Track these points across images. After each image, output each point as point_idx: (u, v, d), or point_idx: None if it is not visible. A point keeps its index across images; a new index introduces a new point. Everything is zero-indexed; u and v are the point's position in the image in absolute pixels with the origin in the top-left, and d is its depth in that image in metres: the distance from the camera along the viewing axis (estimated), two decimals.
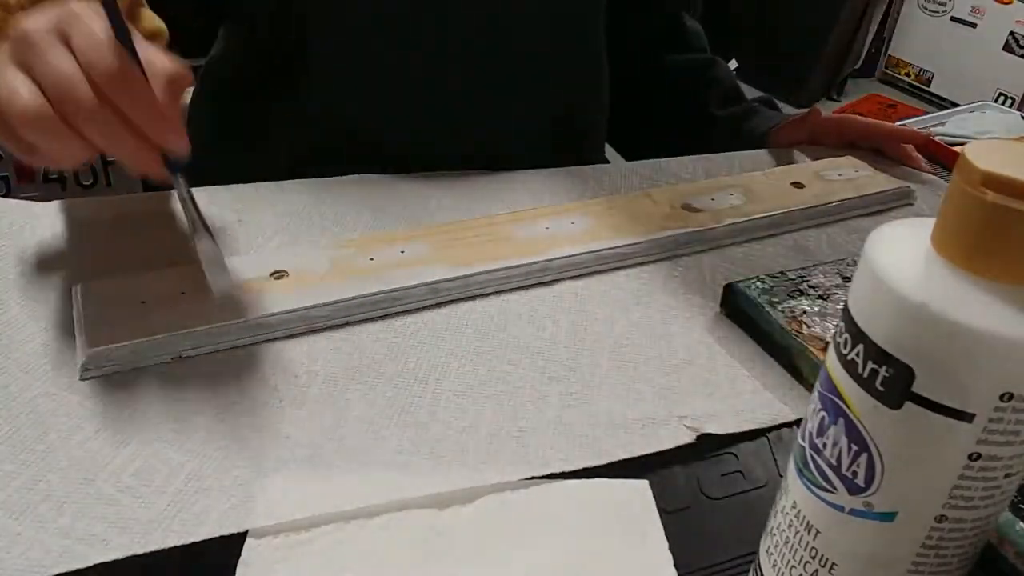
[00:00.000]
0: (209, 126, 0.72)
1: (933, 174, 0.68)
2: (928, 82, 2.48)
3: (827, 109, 0.86)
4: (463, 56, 0.65)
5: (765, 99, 0.79)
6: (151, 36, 0.44)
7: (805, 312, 0.47)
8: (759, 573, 0.32)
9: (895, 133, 0.69)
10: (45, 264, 0.48)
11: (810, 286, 0.50)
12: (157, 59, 0.39)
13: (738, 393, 0.44)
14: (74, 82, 0.36)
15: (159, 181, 0.40)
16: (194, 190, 0.43)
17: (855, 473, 0.26)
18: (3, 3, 0.42)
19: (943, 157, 0.72)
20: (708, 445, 0.40)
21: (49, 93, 0.36)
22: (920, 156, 0.69)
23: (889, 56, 2.58)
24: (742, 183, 0.63)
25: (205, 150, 0.47)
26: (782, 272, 0.51)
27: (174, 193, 0.55)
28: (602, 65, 0.74)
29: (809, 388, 0.44)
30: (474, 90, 0.66)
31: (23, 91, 0.36)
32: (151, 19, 0.45)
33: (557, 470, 0.38)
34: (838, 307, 0.48)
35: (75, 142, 0.37)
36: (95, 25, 0.37)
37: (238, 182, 0.58)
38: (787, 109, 0.81)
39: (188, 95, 0.69)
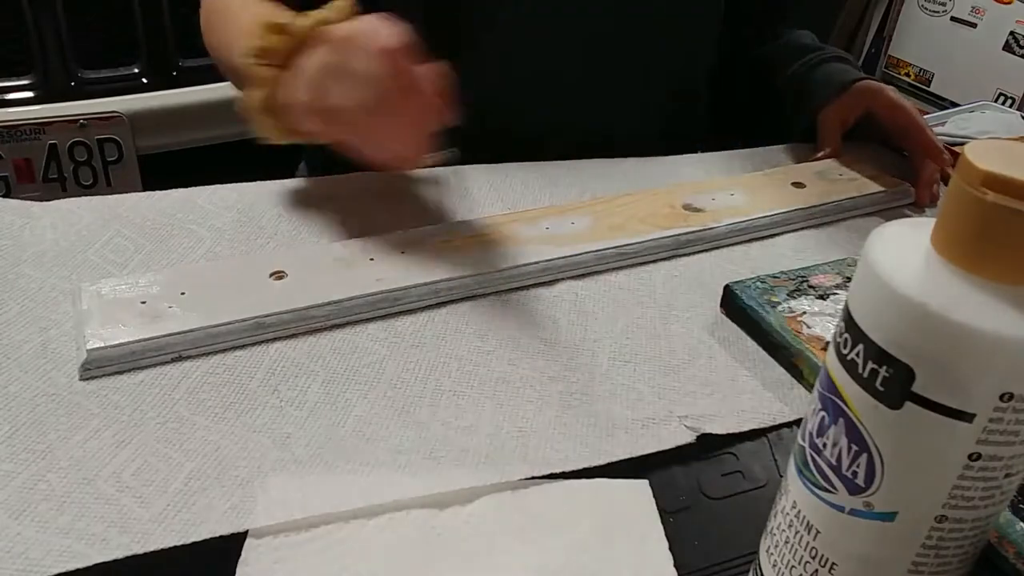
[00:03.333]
0: None
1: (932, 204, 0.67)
2: (928, 82, 2.48)
3: None
4: (590, 41, 0.69)
5: (835, 55, 0.77)
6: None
7: (805, 312, 0.47)
8: (759, 573, 0.32)
9: (931, 148, 0.67)
10: (45, 264, 0.48)
11: (810, 286, 0.50)
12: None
13: (738, 393, 0.44)
14: (384, 76, 0.45)
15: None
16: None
17: (855, 473, 0.26)
18: (284, 27, 0.49)
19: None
20: (708, 445, 0.40)
21: (368, 87, 0.45)
22: (934, 188, 0.67)
23: (889, 56, 2.58)
24: (742, 183, 0.63)
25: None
26: (782, 272, 0.51)
27: (169, 194, 0.56)
28: (714, 52, 0.78)
29: (809, 388, 0.44)
30: (597, 74, 0.71)
31: (349, 90, 0.45)
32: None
33: (557, 470, 0.38)
34: (838, 307, 0.48)
35: (388, 132, 0.47)
36: (391, 27, 0.45)
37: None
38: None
39: None
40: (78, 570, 0.32)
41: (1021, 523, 0.34)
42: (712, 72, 0.80)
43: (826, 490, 0.27)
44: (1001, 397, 0.23)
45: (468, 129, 0.61)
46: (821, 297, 0.49)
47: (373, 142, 0.48)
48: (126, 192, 0.56)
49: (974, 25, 2.36)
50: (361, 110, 0.46)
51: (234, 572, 0.32)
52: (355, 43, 0.46)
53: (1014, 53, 2.27)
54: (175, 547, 0.33)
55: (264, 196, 0.57)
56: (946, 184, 0.63)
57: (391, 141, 0.48)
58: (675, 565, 0.34)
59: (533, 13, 0.67)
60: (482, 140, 0.64)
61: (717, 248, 0.57)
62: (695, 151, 0.73)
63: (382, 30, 0.45)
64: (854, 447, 0.26)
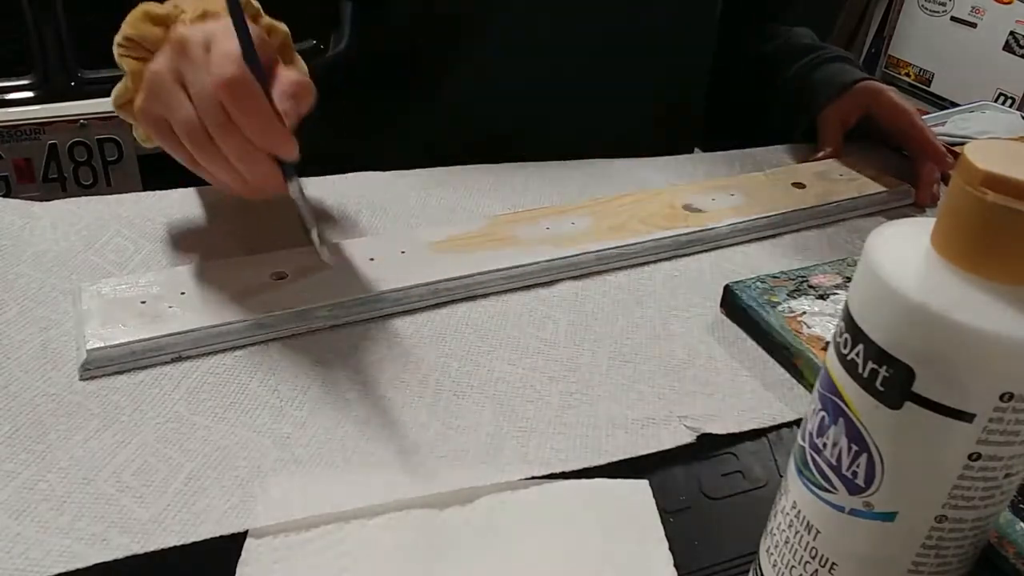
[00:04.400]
0: (342, 114, 0.74)
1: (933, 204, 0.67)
2: (928, 82, 2.48)
3: None
4: (583, 54, 0.69)
5: (835, 55, 0.77)
6: (269, 32, 0.48)
7: (805, 312, 0.47)
8: (759, 573, 0.32)
9: (931, 150, 0.67)
10: (45, 264, 0.48)
11: (810, 286, 0.50)
12: (283, 74, 0.42)
13: (738, 393, 0.44)
14: (212, 102, 0.39)
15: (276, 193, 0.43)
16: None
17: (855, 473, 0.26)
18: (165, 17, 0.45)
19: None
20: (708, 445, 0.40)
21: (197, 108, 0.40)
22: (934, 188, 0.67)
23: (889, 56, 2.58)
24: (742, 183, 0.63)
25: (339, 136, 0.50)
26: (782, 272, 0.51)
27: (169, 194, 0.56)
28: (713, 51, 0.78)
29: (809, 388, 0.44)
30: (588, 86, 0.70)
31: (181, 105, 0.40)
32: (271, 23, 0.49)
33: (557, 470, 0.38)
34: (838, 307, 0.48)
35: (219, 157, 0.41)
36: (230, 42, 0.39)
37: (365, 168, 0.61)
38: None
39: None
40: (78, 570, 0.32)
41: (1021, 523, 0.34)
42: (707, 84, 0.80)
43: (826, 490, 0.27)
44: (1001, 397, 0.23)
45: (454, 136, 0.61)
46: (821, 297, 0.49)
47: (206, 164, 0.42)
48: (126, 192, 0.56)
49: (974, 25, 2.36)
50: (190, 132, 0.40)
51: (234, 572, 0.32)
52: (189, 49, 0.40)
53: (1014, 53, 2.28)
54: (175, 547, 0.33)
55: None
56: (946, 184, 0.63)
57: (215, 167, 0.42)
58: (675, 565, 0.34)
59: (526, 24, 0.67)
60: (470, 148, 0.64)
61: (717, 248, 0.57)
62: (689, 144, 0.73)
63: (219, 45, 0.39)
64: (854, 447, 0.26)
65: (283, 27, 0.49)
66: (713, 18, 0.76)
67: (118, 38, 0.46)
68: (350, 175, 0.60)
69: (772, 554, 0.31)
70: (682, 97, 0.78)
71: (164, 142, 0.43)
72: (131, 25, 0.45)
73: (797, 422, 0.42)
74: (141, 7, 0.45)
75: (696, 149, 0.78)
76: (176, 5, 0.45)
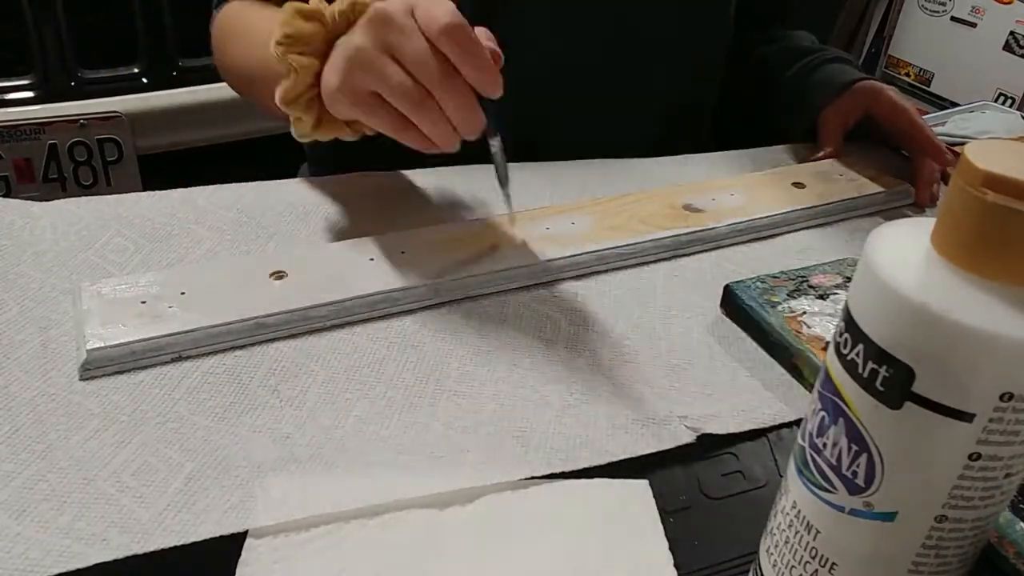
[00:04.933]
0: None
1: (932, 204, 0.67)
2: (928, 82, 2.48)
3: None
4: (599, 45, 0.69)
5: (834, 56, 0.77)
6: None
7: (805, 312, 0.47)
8: (759, 573, 0.32)
9: (931, 147, 0.67)
10: (45, 264, 0.48)
11: (810, 286, 0.50)
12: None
13: (738, 393, 0.44)
14: (429, 58, 0.42)
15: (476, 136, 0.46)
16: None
17: (855, 473, 0.26)
18: (317, 14, 0.47)
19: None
20: (708, 445, 0.40)
21: (412, 70, 0.42)
22: (934, 188, 0.67)
23: (889, 56, 2.58)
24: (742, 183, 0.63)
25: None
26: (782, 272, 0.51)
27: (169, 194, 0.56)
28: (723, 53, 0.78)
29: (809, 388, 0.44)
30: (606, 78, 0.70)
31: (395, 73, 0.43)
32: None
33: (557, 470, 0.38)
34: (838, 307, 0.48)
35: (435, 112, 0.43)
36: (444, 3, 0.42)
37: (366, 167, 0.62)
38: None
39: None
40: (78, 570, 0.32)
41: (1021, 523, 0.34)
42: (719, 90, 0.80)
43: (826, 490, 0.27)
44: (1001, 397, 0.23)
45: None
46: (821, 297, 0.49)
47: (416, 128, 0.45)
48: (126, 192, 0.56)
49: (974, 25, 2.36)
50: (408, 96, 0.43)
51: (234, 572, 0.32)
52: (395, 19, 0.43)
53: (1014, 53, 2.27)
54: (175, 547, 0.33)
55: (264, 196, 0.57)
56: (946, 184, 0.63)
57: (432, 124, 0.44)
58: (675, 565, 0.34)
59: (535, 25, 0.67)
60: (475, 149, 0.64)
61: (717, 248, 0.57)
62: (699, 144, 0.73)
63: (432, 7, 0.42)
64: (854, 447, 0.26)
65: None
66: (726, 21, 0.76)
67: (277, 36, 0.47)
68: (349, 175, 0.61)
69: (772, 554, 0.31)
70: (695, 100, 0.78)
71: (368, 114, 0.45)
72: (287, 24, 0.47)
73: (797, 422, 0.42)
74: (290, 5, 0.47)
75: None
76: (323, 3, 0.47)
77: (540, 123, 0.68)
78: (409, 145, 0.46)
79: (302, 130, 0.49)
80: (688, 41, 0.72)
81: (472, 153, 0.63)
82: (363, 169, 0.61)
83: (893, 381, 0.24)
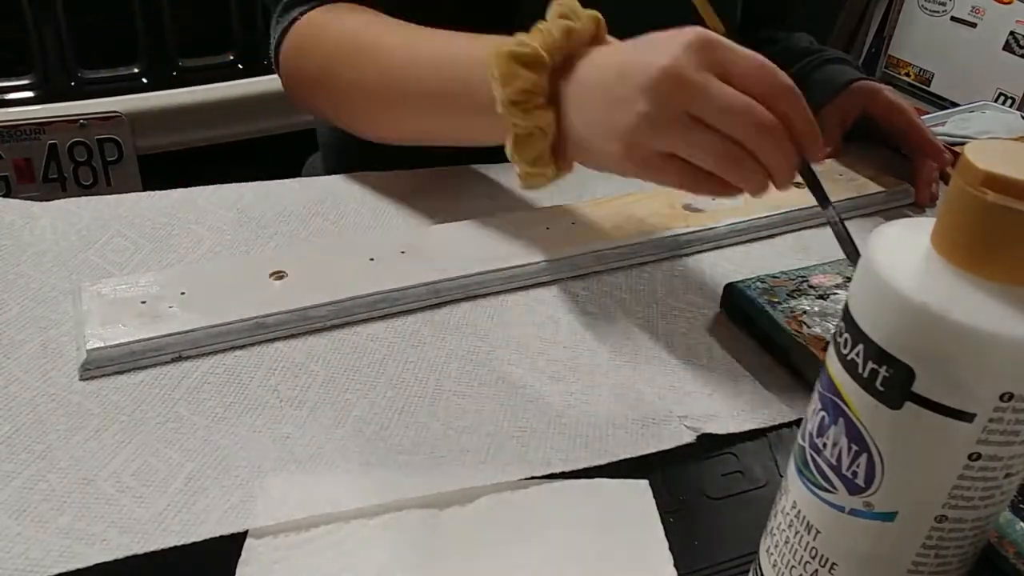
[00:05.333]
0: None
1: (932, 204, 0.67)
2: (928, 82, 2.48)
3: None
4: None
5: (835, 56, 0.77)
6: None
7: (805, 312, 0.47)
8: (759, 573, 0.32)
9: (928, 147, 0.67)
10: (45, 264, 0.48)
11: (810, 286, 0.50)
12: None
13: (738, 393, 0.44)
14: (756, 112, 0.39)
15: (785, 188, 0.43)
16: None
17: (855, 473, 0.26)
18: (535, 59, 0.43)
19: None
20: (708, 445, 0.40)
21: (734, 130, 0.39)
22: (934, 188, 0.67)
23: (889, 56, 2.58)
24: None
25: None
26: (782, 272, 0.51)
27: (169, 194, 0.55)
28: None
29: (809, 388, 0.44)
30: None
31: (702, 138, 0.39)
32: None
33: (557, 470, 0.38)
34: (838, 307, 0.48)
35: (752, 167, 0.41)
36: (742, 49, 0.40)
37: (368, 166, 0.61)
38: None
39: None
40: (78, 570, 0.32)
41: (1021, 523, 0.34)
42: None
43: (826, 490, 0.27)
44: (1001, 397, 0.23)
45: None
46: (821, 297, 0.49)
47: (740, 177, 0.41)
48: (126, 192, 0.56)
49: (974, 25, 2.36)
50: (717, 158, 0.40)
51: (234, 572, 0.32)
52: (696, 84, 0.39)
53: (1014, 53, 2.27)
54: (175, 547, 0.33)
55: (264, 196, 0.57)
56: (946, 184, 0.63)
57: (755, 175, 0.41)
58: (675, 565, 0.34)
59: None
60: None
61: (717, 248, 0.57)
62: None
63: (749, 59, 0.39)
64: (854, 447, 0.26)
65: (593, 13, 0.46)
66: (734, 17, 0.75)
67: (512, 96, 0.43)
68: (349, 175, 0.61)
69: (772, 554, 0.31)
70: None
71: (655, 174, 0.43)
72: (516, 77, 0.43)
73: (797, 422, 0.42)
74: (505, 52, 0.43)
75: None
76: (524, 40, 0.44)
77: None
78: (703, 194, 0.44)
79: (541, 183, 0.47)
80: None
81: (475, 153, 0.63)
82: (383, 161, 0.61)
83: (893, 381, 0.24)
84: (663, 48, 0.40)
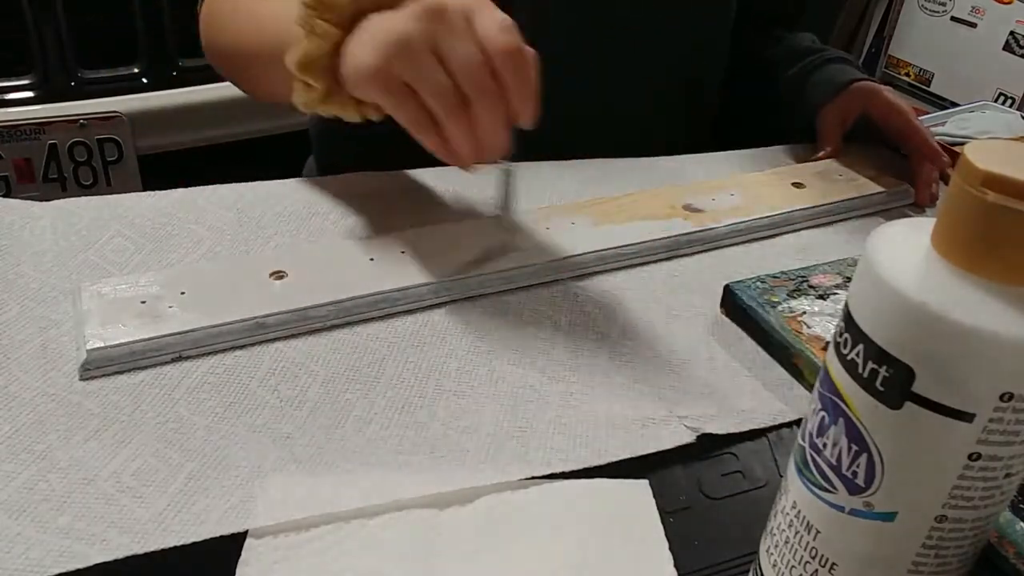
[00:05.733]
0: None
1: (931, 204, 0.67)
2: (928, 82, 2.47)
3: None
4: (601, 25, 0.69)
5: (834, 56, 0.77)
6: None
7: (805, 312, 0.47)
8: (759, 573, 0.32)
9: (927, 149, 0.68)
10: (45, 264, 0.48)
11: (810, 286, 0.50)
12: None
13: (738, 393, 0.44)
14: (481, 71, 0.41)
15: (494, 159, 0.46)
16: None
17: (855, 473, 0.26)
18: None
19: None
20: (708, 445, 0.40)
21: (456, 75, 0.41)
22: (933, 188, 0.67)
23: (889, 56, 2.58)
24: (742, 183, 0.63)
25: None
26: (782, 272, 0.51)
27: (169, 194, 0.55)
28: (727, 43, 0.78)
29: (809, 388, 0.44)
30: (605, 56, 0.70)
31: (437, 72, 0.41)
32: None
33: (557, 470, 0.38)
34: (838, 307, 0.48)
35: (465, 123, 0.42)
36: (500, 12, 0.42)
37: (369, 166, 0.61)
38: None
39: None
40: (78, 570, 0.32)
41: (1021, 523, 0.34)
42: (724, 65, 0.80)
43: (826, 490, 0.27)
44: (1001, 397, 0.23)
45: None
46: (821, 297, 0.49)
47: (438, 133, 0.43)
48: (126, 192, 0.56)
49: (974, 25, 2.36)
50: (444, 98, 0.42)
51: (234, 572, 0.32)
52: (449, 18, 0.41)
53: (1014, 53, 2.27)
54: (175, 547, 0.33)
55: (264, 196, 0.57)
56: (946, 184, 0.63)
57: (462, 135, 0.43)
58: (675, 565, 0.34)
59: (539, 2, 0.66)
60: None
61: (717, 248, 0.57)
62: (700, 143, 0.73)
63: (490, 15, 0.41)
64: (854, 447, 0.26)
65: None
66: (728, 17, 0.76)
67: (307, 0, 0.45)
68: (349, 175, 0.60)
69: (772, 554, 0.31)
70: (697, 73, 0.77)
71: (396, 104, 0.43)
72: None
73: (797, 422, 0.42)
74: None
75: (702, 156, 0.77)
76: None
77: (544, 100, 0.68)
78: (425, 145, 0.45)
79: (310, 99, 0.47)
80: (690, 15, 0.72)
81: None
82: (374, 165, 0.61)
83: (893, 381, 0.24)
84: None
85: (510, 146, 0.44)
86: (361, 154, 0.62)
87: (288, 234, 0.54)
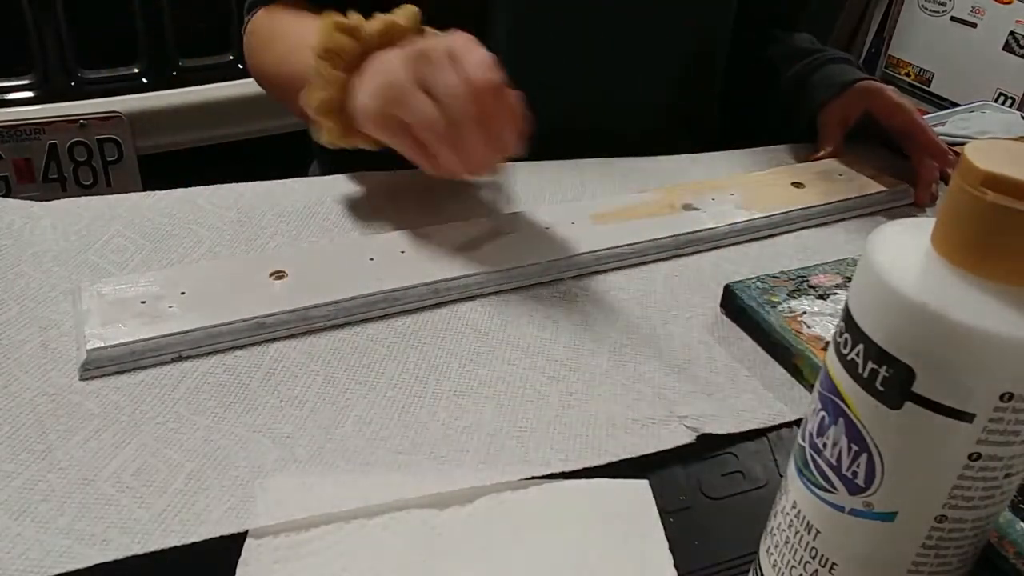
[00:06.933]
0: None
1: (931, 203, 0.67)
2: (928, 82, 2.48)
3: None
4: (611, 18, 0.70)
5: (834, 56, 0.77)
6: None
7: (805, 312, 0.47)
8: (759, 573, 0.32)
9: (932, 147, 0.68)
10: (45, 264, 0.48)
11: (810, 286, 0.50)
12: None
13: (738, 393, 0.44)
14: (464, 99, 0.45)
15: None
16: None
17: (855, 473, 0.26)
18: (354, 29, 0.51)
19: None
20: (708, 445, 0.40)
21: (442, 104, 0.45)
22: (933, 188, 0.67)
23: (889, 56, 2.58)
24: (742, 183, 0.63)
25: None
26: (782, 272, 0.51)
27: (169, 194, 0.56)
28: (727, 40, 0.78)
29: (809, 388, 0.44)
30: (608, 42, 0.71)
31: (425, 106, 0.46)
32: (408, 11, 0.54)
33: (557, 470, 0.38)
34: (838, 307, 0.48)
35: (457, 147, 0.47)
36: (482, 51, 0.46)
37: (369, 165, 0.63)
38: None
39: None
40: (78, 570, 0.32)
41: (1021, 523, 0.34)
42: (725, 55, 0.79)
43: (826, 490, 0.27)
44: (1001, 397, 0.23)
45: None
46: (821, 297, 0.49)
47: (436, 158, 0.48)
48: (126, 192, 0.56)
49: (974, 25, 2.36)
50: (433, 128, 0.46)
51: (234, 572, 0.32)
52: (433, 58, 0.46)
53: (1014, 53, 2.27)
54: (175, 547, 0.33)
55: (264, 196, 0.57)
56: (946, 184, 0.63)
57: (455, 159, 0.47)
58: (675, 565, 0.34)
59: None
60: None
61: (717, 248, 0.57)
62: (704, 134, 0.73)
63: (472, 54, 0.46)
64: (854, 447, 0.26)
65: (413, 9, 0.53)
66: (728, 18, 0.75)
67: (317, 49, 0.51)
68: (349, 175, 0.61)
69: (772, 554, 0.31)
70: (702, 56, 0.77)
71: (392, 138, 0.49)
72: (327, 37, 0.51)
73: (797, 422, 0.42)
74: (330, 19, 0.51)
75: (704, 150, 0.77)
76: (360, 18, 0.51)
77: (544, 86, 0.68)
78: (423, 169, 0.49)
79: (331, 137, 0.53)
80: (691, 11, 0.72)
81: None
82: (375, 167, 0.61)
83: (893, 381, 0.24)
84: (431, 41, 0.48)
85: (499, 166, 0.48)
86: (363, 156, 0.62)
87: (288, 234, 0.54)
